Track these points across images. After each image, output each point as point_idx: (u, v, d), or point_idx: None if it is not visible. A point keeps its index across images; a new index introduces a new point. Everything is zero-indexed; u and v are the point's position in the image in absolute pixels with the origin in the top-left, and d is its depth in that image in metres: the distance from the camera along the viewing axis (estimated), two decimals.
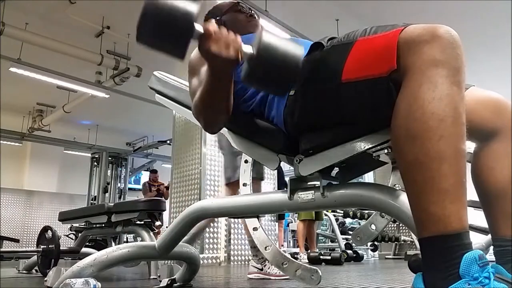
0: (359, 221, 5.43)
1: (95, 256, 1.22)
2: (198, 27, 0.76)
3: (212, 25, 0.78)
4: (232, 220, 3.73)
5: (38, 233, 2.34)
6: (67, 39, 5.17)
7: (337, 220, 5.62)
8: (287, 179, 1.00)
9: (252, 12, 1.35)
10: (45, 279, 1.35)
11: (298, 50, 0.79)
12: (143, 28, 0.73)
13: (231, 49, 0.79)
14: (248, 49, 0.79)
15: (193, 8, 0.73)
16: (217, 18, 1.31)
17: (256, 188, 2.13)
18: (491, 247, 0.87)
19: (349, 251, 4.40)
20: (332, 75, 0.81)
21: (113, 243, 3.76)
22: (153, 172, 7.63)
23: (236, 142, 1.10)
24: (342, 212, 4.92)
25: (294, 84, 0.83)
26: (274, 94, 0.94)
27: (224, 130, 1.13)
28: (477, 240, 2.17)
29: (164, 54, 0.78)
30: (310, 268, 1.20)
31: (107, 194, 8.79)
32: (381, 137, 0.81)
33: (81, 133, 8.98)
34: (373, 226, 1.06)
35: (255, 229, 1.29)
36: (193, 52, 1.15)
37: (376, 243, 5.43)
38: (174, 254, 1.33)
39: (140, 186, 10.58)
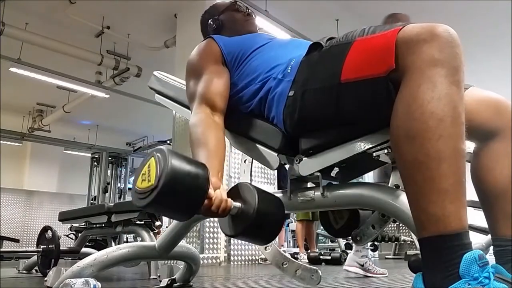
0: None
1: (95, 256, 1.22)
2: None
3: (208, 202, 0.76)
4: None
5: (38, 233, 2.34)
6: (67, 39, 5.17)
7: None
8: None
9: (249, 11, 1.35)
10: (45, 279, 1.35)
11: (279, 204, 0.82)
12: (158, 202, 0.70)
13: (222, 212, 0.78)
14: (237, 205, 0.80)
15: (207, 176, 0.73)
16: (215, 17, 1.31)
17: None
18: (491, 247, 0.87)
19: (349, 251, 4.39)
20: (331, 75, 0.81)
21: (113, 243, 3.76)
22: None
23: (236, 142, 1.10)
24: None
25: (278, 233, 0.85)
26: (256, 243, 0.95)
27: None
28: (477, 240, 2.18)
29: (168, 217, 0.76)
30: (310, 268, 1.20)
31: (107, 194, 8.79)
32: (381, 137, 0.81)
33: (81, 133, 8.98)
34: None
35: None
36: (192, 53, 1.15)
37: (376, 243, 5.41)
38: (174, 254, 1.33)
39: None
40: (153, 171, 0.70)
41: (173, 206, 0.73)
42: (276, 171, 4.20)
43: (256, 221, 0.76)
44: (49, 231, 2.24)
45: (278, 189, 4.18)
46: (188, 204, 0.73)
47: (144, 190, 0.70)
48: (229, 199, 0.79)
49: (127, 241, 6.74)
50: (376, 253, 5.99)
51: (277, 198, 0.84)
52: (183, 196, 0.71)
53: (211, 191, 0.75)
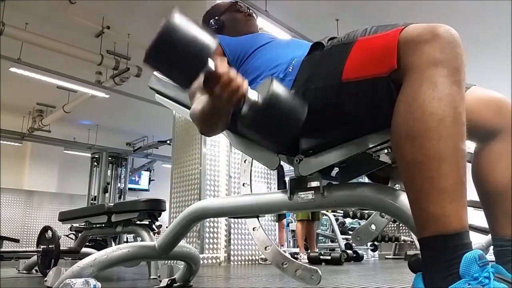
0: (359, 221, 5.43)
1: (95, 256, 1.22)
2: (210, 63, 0.74)
3: (224, 66, 0.75)
4: (232, 220, 3.73)
5: (38, 233, 2.34)
6: (67, 39, 5.17)
7: (337, 220, 5.62)
8: (287, 179, 1.00)
9: (250, 11, 1.35)
10: (45, 279, 1.35)
11: (301, 107, 0.79)
12: (157, 51, 0.69)
13: (236, 95, 0.76)
14: (253, 95, 0.76)
15: (212, 43, 0.71)
16: (216, 18, 1.31)
17: None
18: (491, 247, 0.87)
19: (349, 251, 4.40)
20: (332, 75, 0.81)
21: (113, 243, 3.76)
22: None
23: (236, 143, 1.10)
24: (342, 212, 4.91)
25: (291, 138, 0.82)
26: (269, 147, 0.92)
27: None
28: (477, 240, 2.17)
29: (169, 79, 0.76)
30: (310, 268, 1.20)
31: (107, 194, 8.79)
32: (381, 137, 0.81)
33: (81, 133, 8.97)
34: (373, 226, 1.07)
35: (254, 229, 1.29)
36: None
37: (376, 243, 5.42)
38: (174, 254, 1.33)
39: (139, 186, 10.61)
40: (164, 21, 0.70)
41: (181, 47, 0.68)
42: (276, 171, 4.20)
43: (269, 106, 0.72)
44: (49, 231, 2.24)
45: (278, 189, 4.18)
46: (196, 46, 0.69)
47: (153, 38, 0.70)
48: (246, 81, 0.76)
49: (127, 241, 6.75)
50: (376, 253, 6.00)
51: (298, 99, 0.80)
52: (190, 36, 0.68)
53: (224, 59, 0.73)
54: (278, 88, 0.75)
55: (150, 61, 0.72)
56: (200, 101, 0.96)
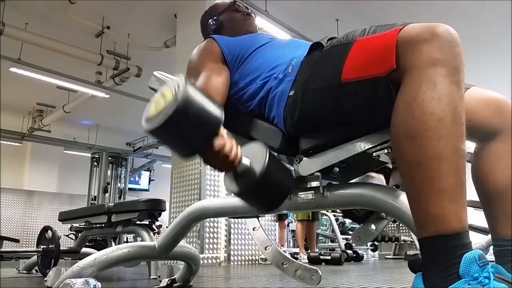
0: None
1: (95, 256, 1.22)
2: None
3: (222, 140, 0.74)
4: (232, 220, 3.73)
5: (38, 233, 2.34)
6: (67, 39, 5.17)
7: (337, 220, 5.61)
8: None
9: (249, 11, 1.35)
10: (45, 279, 1.35)
11: (289, 173, 0.80)
12: (165, 127, 0.65)
13: (229, 166, 0.75)
14: (245, 161, 0.77)
15: (220, 115, 0.69)
16: (214, 18, 1.31)
17: None
18: (491, 247, 0.87)
19: (349, 251, 4.40)
20: (332, 75, 0.81)
21: (113, 243, 3.76)
22: None
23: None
24: (342, 212, 4.91)
25: (282, 203, 0.83)
26: (258, 209, 0.92)
27: None
28: (477, 240, 2.17)
29: (171, 150, 0.73)
30: (310, 268, 1.20)
31: (107, 194, 8.79)
32: (381, 137, 0.81)
33: (81, 133, 8.97)
34: (373, 226, 1.06)
35: (255, 229, 1.29)
36: (192, 53, 1.15)
37: (376, 243, 5.42)
38: (174, 254, 1.33)
39: (139, 186, 10.62)
40: (170, 93, 0.66)
41: (189, 128, 0.66)
42: None
43: (263, 179, 0.72)
44: (49, 231, 2.24)
45: None
46: (204, 127, 0.68)
47: (158, 111, 0.66)
48: (240, 152, 0.76)
49: (127, 241, 6.74)
50: (376, 253, 6.00)
51: (287, 167, 0.81)
52: (200, 118, 0.66)
53: (223, 130, 0.72)
54: (271, 162, 0.75)
55: (156, 134, 0.69)
56: None
